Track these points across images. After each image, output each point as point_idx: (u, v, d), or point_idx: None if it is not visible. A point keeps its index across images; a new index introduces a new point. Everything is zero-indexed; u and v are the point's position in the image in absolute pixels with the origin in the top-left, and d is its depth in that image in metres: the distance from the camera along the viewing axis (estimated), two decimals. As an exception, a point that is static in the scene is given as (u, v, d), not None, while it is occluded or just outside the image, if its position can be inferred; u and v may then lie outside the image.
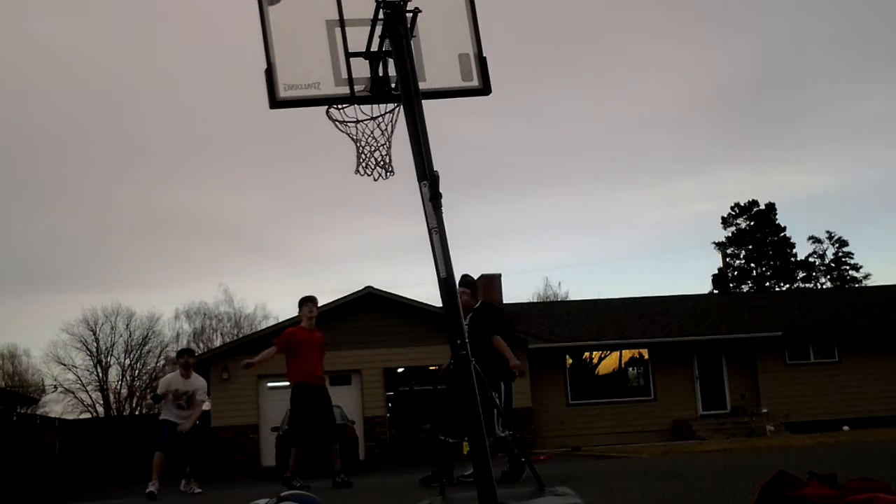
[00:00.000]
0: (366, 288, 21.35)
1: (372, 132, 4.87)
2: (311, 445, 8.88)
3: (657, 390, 22.82)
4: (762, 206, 49.10)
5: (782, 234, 48.85)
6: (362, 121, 4.83)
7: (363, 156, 4.89)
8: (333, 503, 7.01)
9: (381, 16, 4.50)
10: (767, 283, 48.06)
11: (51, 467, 18.85)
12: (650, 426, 21.92)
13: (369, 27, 4.59)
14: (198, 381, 10.46)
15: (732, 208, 49.84)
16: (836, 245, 48.37)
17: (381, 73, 4.68)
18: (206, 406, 10.58)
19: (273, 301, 71.46)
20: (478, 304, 8.00)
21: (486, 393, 5.50)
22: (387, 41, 4.54)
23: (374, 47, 4.63)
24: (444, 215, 4.28)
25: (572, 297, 43.38)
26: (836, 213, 69.85)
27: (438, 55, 4.83)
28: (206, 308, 47.31)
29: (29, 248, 59.62)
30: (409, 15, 4.51)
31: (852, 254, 48.41)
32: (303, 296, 9.12)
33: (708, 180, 66.33)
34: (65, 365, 43.92)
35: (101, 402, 44.37)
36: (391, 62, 4.61)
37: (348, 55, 4.69)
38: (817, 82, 63.49)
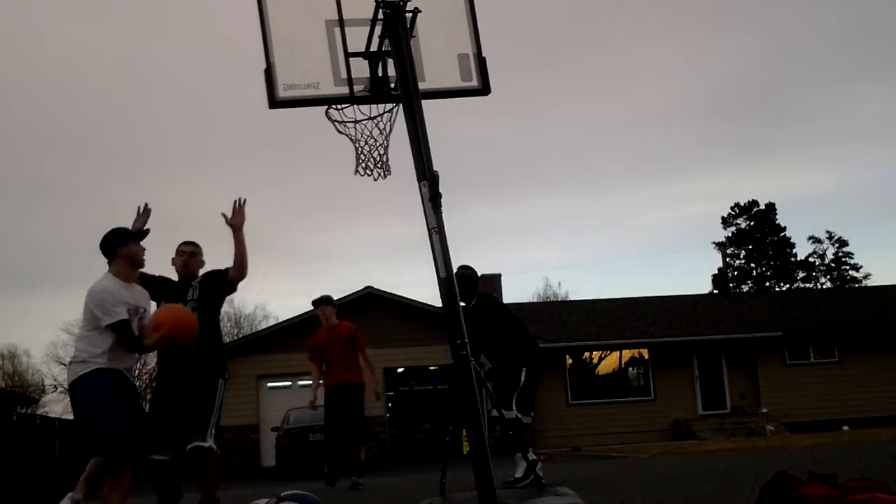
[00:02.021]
0: (366, 288, 21.35)
1: (371, 132, 4.88)
2: (340, 447, 8.80)
3: (657, 390, 22.81)
4: (762, 206, 49.05)
5: (782, 234, 48.79)
6: (361, 121, 4.84)
7: (362, 156, 4.89)
8: (333, 503, 7.01)
9: (380, 16, 4.51)
10: (767, 283, 48.01)
11: (51, 467, 18.84)
12: (650, 426, 21.91)
13: (369, 27, 4.59)
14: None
15: (732, 208, 49.81)
16: (836, 245, 48.33)
17: (380, 73, 4.69)
18: None
19: (273, 301, 71.47)
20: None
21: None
22: (386, 41, 4.54)
23: (374, 47, 4.63)
24: (443, 215, 4.29)
25: (572, 297, 43.38)
26: (836, 213, 69.91)
27: (438, 55, 4.84)
28: (206, 308, 47.26)
29: (29, 248, 59.64)
30: (409, 15, 4.51)
31: (852, 254, 48.37)
32: (316, 297, 8.88)
33: (708, 180, 66.40)
34: (65, 365, 43.83)
35: (101, 402, 44.33)
36: (391, 62, 4.61)
37: (348, 55, 4.69)
38: (817, 82, 63.54)
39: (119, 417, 4.56)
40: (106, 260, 4.96)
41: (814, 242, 48.69)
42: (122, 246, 4.92)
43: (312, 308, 8.99)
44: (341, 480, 8.72)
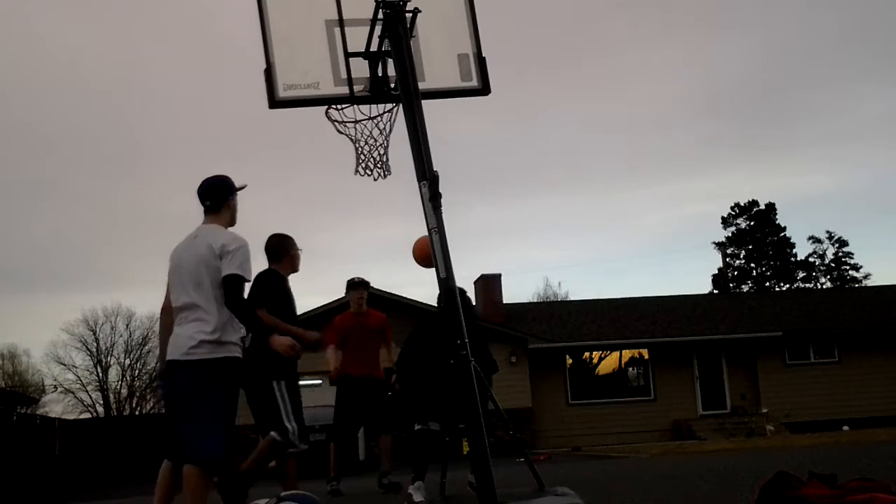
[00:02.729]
0: (366, 288, 21.33)
1: (371, 132, 4.88)
2: (352, 443, 7.90)
3: (657, 390, 22.80)
4: (762, 206, 49.07)
5: (782, 234, 48.81)
6: (361, 121, 4.84)
7: (362, 156, 4.89)
8: None
9: (380, 16, 4.51)
10: (767, 283, 48.02)
11: (51, 467, 18.84)
12: (650, 426, 21.90)
13: (369, 27, 4.59)
14: None
15: (732, 208, 49.83)
16: (836, 245, 48.35)
17: (380, 73, 4.69)
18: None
19: (273, 301, 71.09)
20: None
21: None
22: (386, 41, 4.54)
23: (374, 47, 4.63)
24: (443, 215, 4.29)
25: (572, 297, 43.39)
26: (836, 213, 69.89)
27: (438, 55, 4.84)
28: (207, 308, 47.18)
29: (29, 248, 59.62)
30: (409, 15, 4.51)
31: (852, 254, 48.38)
32: (350, 279, 7.97)
33: (708, 180, 66.40)
34: (65, 365, 43.94)
35: (101, 402, 44.40)
36: (390, 62, 4.61)
37: (347, 55, 4.69)
38: (817, 82, 63.52)
39: (229, 433, 4.07)
40: (204, 211, 4.41)
41: (814, 242, 48.76)
42: (232, 195, 4.44)
43: (346, 290, 7.97)
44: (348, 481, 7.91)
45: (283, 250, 5.71)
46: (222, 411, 4.05)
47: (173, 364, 4.15)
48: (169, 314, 4.46)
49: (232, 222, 4.45)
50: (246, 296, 4.27)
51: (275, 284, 5.61)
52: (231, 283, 4.10)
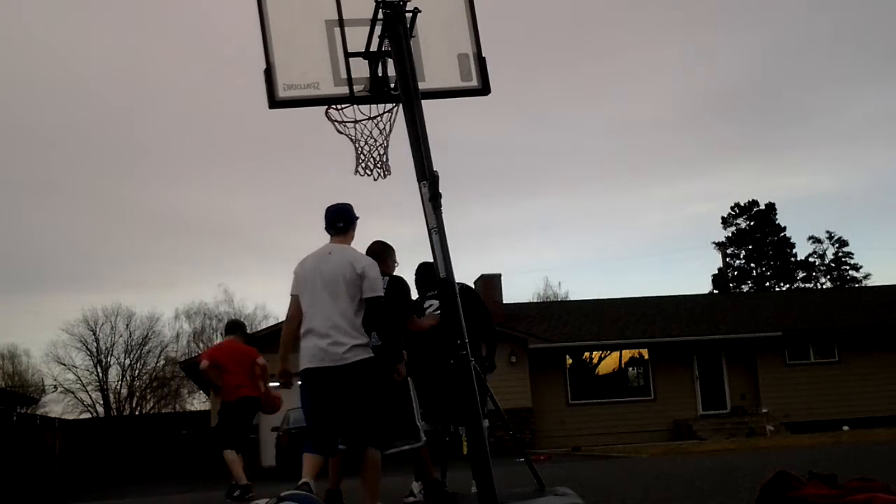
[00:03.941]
0: (366, 288, 21.34)
1: (371, 132, 4.88)
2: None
3: (657, 390, 22.81)
4: (762, 206, 49.06)
5: (782, 234, 48.80)
6: (361, 121, 4.84)
7: (362, 156, 4.90)
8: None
9: (380, 16, 4.50)
10: (767, 283, 48.01)
11: (51, 467, 18.85)
12: (650, 426, 21.91)
13: (368, 27, 4.59)
14: None
15: (732, 208, 49.81)
16: (836, 245, 48.32)
17: (380, 74, 4.69)
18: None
19: (273, 301, 71.37)
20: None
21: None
22: (386, 41, 4.54)
23: (374, 47, 4.63)
24: (443, 215, 4.28)
25: (572, 297, 43.36)
26: (836, 213, 69.83)
27: (438, 55, 4.84)
28: (206, 308, 47.15)
29: (29, 248, 59.60)
30: (409, 15, 4.51)
31: (852, 254, 48.36)
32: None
33: (708, 180, 66.33)
34: (65, 365, 43.89)
35: (101, 402, 44.37)
36: (390, 62, 4.61)
37: (347, 55, 4.70)
38: (817, 83, 63.48)
39: (387, 418, 4.88)
40: (335, 232, 4.87)
41: (814, 242, 48.74)
42: (355, 220, 4.96)
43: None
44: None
45: (385, 257, 5.84)
46: (382, 402, 4.74)
47: (324, 371, 4.61)
48: (295, 323, 4.82)
49: (351, 243, 4.99)
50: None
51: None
52: (377, 305, 4.66)
